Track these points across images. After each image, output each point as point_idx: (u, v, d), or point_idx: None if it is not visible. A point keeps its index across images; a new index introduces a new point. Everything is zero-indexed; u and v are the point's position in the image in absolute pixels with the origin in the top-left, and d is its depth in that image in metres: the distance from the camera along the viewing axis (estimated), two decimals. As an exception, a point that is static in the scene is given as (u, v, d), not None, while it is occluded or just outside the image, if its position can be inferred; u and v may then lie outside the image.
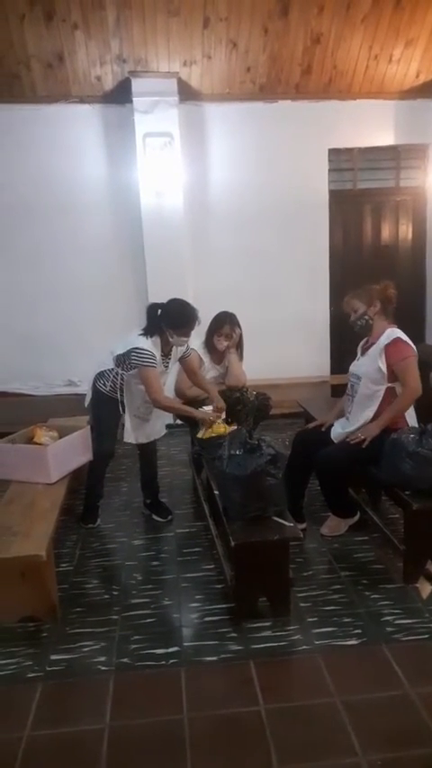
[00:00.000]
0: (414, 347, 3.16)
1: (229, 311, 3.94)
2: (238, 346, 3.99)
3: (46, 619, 2.65)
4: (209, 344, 3.91)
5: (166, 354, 3.39)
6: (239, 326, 3.93)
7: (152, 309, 3.31)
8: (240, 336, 3.96)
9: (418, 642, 2.45)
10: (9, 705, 2.20)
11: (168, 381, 3.87)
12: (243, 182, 5.63)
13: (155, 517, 3.69)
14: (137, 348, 3.21)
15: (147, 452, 3.72)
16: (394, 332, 3.17)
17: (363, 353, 3.31)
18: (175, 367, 3.59)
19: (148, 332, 3.27)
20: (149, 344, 3.23)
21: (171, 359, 3.44)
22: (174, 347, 3.40)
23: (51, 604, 2.66)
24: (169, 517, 3.68)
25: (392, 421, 3.11)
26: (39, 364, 5.59)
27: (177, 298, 3.37)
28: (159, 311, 3.28)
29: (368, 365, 3.19)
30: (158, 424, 3.62)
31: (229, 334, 3.86)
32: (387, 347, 3.12)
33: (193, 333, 3.38)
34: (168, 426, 3.88)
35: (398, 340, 3.13)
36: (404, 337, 3.16)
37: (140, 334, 3.26)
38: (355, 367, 3.34)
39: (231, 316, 3.91)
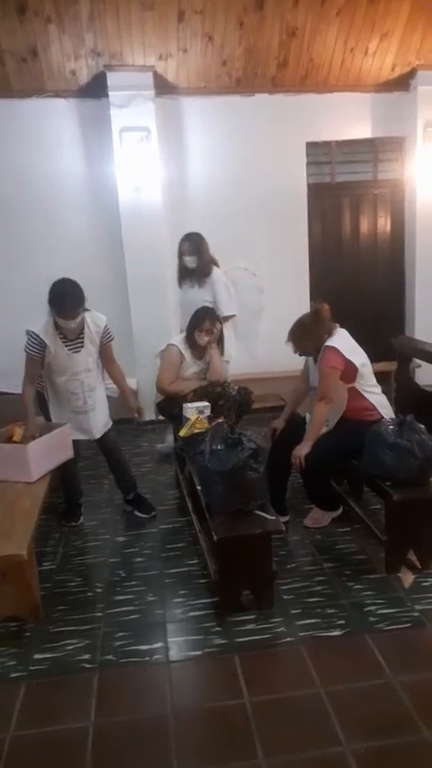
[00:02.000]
0: (345, 357, 3.09)
1: (209, 306, 3.92)
2: (219, 341, 3.99)
3: (29, 618, 2.64)
4: (190, 340, 3.90)
5: (74, 338, 3.29)
6: (220, 321, 3.93)
7: None
8: (221, 331, 3.96)
9: (400, 631, 2.48)
10: (-7, 706, 2.19)
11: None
12: (221, 175, 5.60)
13: (138, 514, 3.68)
14: (27, 330, 3.18)
15: (105, 450, 3.62)
16: (330, 341, 3.15)
17: (315, 363, 3.32)
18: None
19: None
20: (41, 327, 3.17)
21: (84, 339, 3.31)
22: (86, 328, 3.30)
23: (34, 603, 2.64)
24: (152, 513, 3.66)
25: (367, 415, 3.14)
26: (21, 362, 5.50)
27: (62, 278, 3.25)
28: None
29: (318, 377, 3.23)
30: (102, 417, 3.48)
31: (210, 330, 3.85)
32: (321, 358, 3.16)
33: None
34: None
35: (326, 349, 3.12)
36: (335, 345, 3.11)
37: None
38: (311, 379, 3.37)
39: (211, 311, 3.90)
